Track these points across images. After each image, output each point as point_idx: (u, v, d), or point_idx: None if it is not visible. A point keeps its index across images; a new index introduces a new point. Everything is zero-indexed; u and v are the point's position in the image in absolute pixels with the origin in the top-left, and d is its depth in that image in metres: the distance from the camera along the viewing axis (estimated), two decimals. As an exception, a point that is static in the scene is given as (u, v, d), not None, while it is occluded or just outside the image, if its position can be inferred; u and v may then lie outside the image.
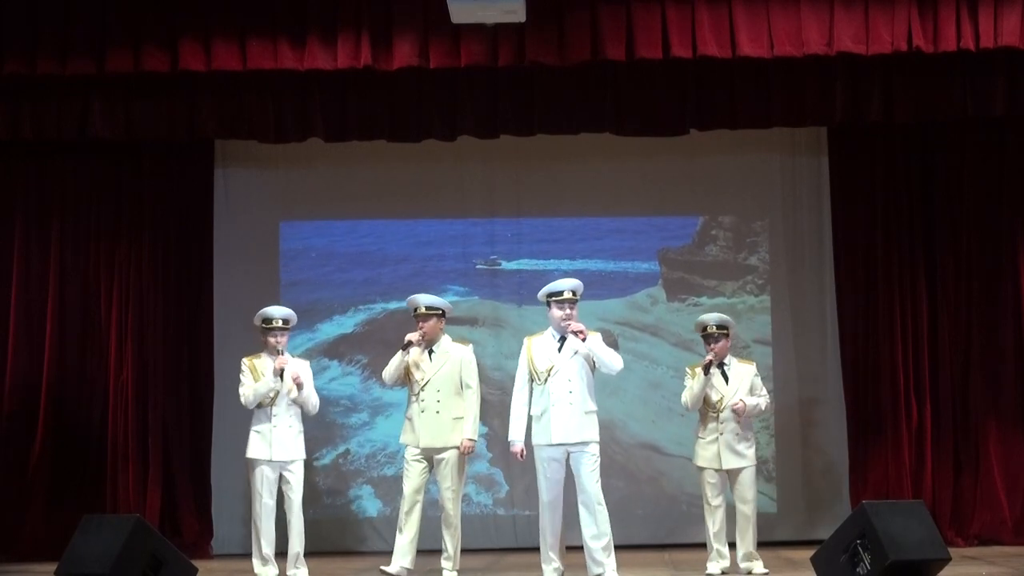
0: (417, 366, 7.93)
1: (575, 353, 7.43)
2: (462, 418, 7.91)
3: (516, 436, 7.55)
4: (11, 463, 9.60)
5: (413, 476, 7.90)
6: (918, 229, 9.81)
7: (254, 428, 8.09)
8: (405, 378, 7.98)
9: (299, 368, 8.16)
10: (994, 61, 8.68)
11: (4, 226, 9.85)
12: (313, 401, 8.22)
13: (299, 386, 8.06)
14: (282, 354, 8.07)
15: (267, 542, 7.99)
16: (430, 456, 7.92)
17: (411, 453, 7.93)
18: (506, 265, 10.38)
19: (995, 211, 9.73)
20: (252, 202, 10.30)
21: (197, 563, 7.26)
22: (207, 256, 10.06)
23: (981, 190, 9.73)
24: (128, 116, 8.97)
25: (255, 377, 8.09)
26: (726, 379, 8.16)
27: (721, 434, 8.09)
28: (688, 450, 8.37)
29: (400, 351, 7.91)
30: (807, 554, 7.32)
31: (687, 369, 8.37)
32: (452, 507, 7.88)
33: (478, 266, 10.33)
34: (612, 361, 7.47)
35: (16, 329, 9.74)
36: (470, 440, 7.91)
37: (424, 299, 8.06)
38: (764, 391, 8.31)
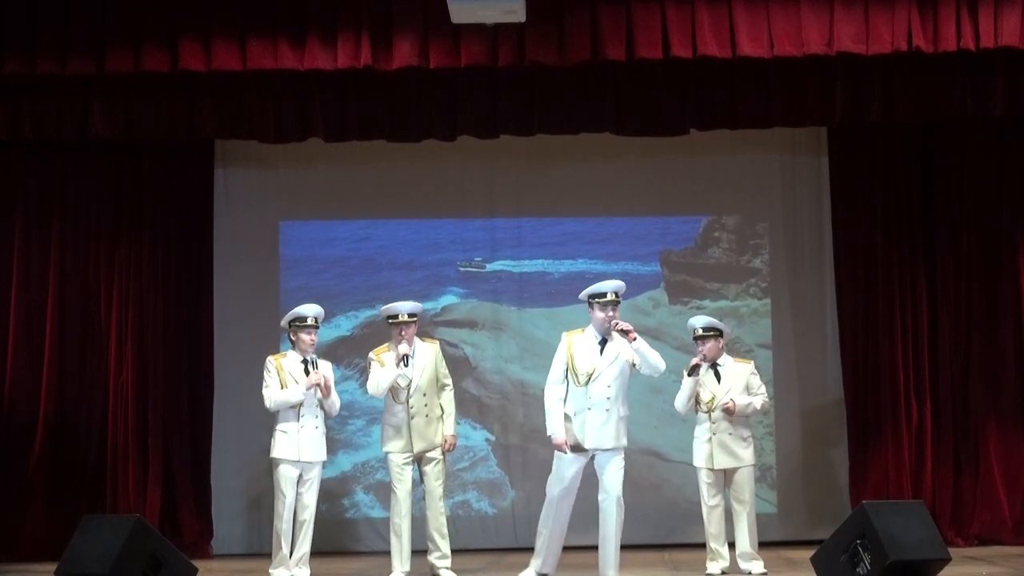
0: (402, 374, 7.93)
1: (616, 357, 7.35)
2: (443, 416, 7.98)
3: (557, 430, 7.38)
4: (11, 463, 9.59)
5: (405, 480, 7.94)
6: (918, 229, 9.81)
7: (280, 428, 8.00)
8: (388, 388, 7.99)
9: (323, 369, 8.13)
10: (994, 61, 8.69)
11: (4, 226, 9.85)
12: (336, 405, 8.20)
13: (326, 389, 8.02)
14: (312, 356, 8.06)
15: (287, 543, 7.95)
16: (418, 458, 7.96)
17: (400, 459, 7.94)
18: (507, 267, 10.34)
19: (995, 211, 9.73)
20: (252, 202, 10.30)
21: (197, 563, 7.26)
22: (207, 256, 10.06)
23: (981, 190, 9.73)
24: (128, 116, 8.97)
25: (281, 378, 8.01)
26: (718, 379, 8.16)
27: (715, 434, 8.10)
28: (691, 456, 8.35)
29: (394, 364, 7.89)
30: (807, 554, 7.32)
31: (684, 372, 8.37)
32: (443, 504, 7.95)
33: (461, 268, 10.30)
34: (657, 361, 7.37)
35: (16, 329, 9.74)
36: (453, 436, 8.01)
37: (405, 307, 8.06)
38: (762, 390, 8.30)
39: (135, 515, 7.17)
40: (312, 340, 8.04)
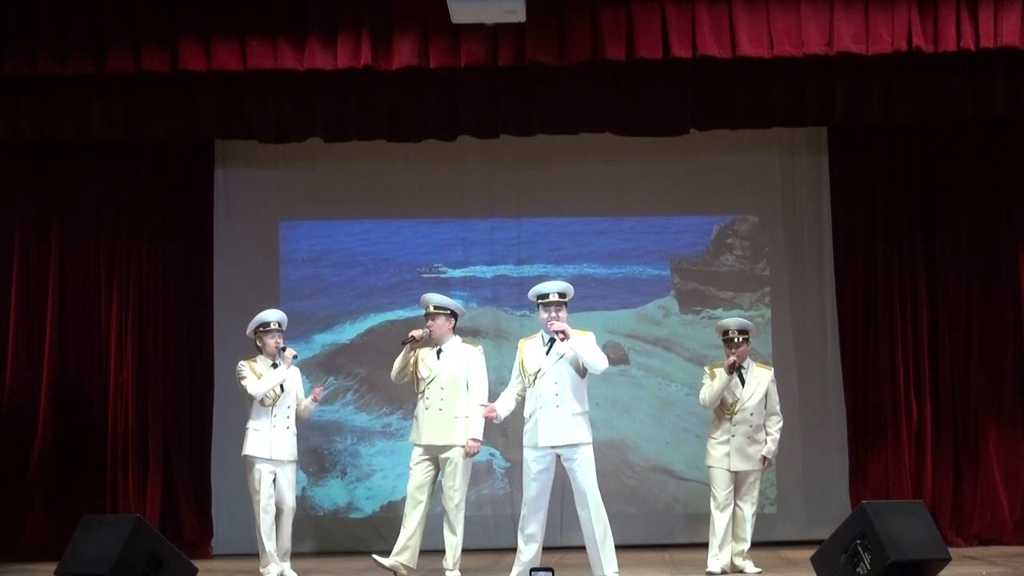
0: (423, 362, 7.94)
1: (561, 356, 7.35)
2: (466, 417, 7.89)
3: (493, 404, 7.57)
4: (11, 463, 9.60)
5: (416, 475, 7.91)
6: (918, 229, 9.81)
7: (252, 427, 8.15)
8: (412, 375, 7.99)
9: (291, 376, 8.28)
10: (994, 61, 8.68)
11: (4, 226, 9.86)
12: (310, 409, 8.37)
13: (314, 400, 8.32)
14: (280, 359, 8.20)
15: (267, 539, 8.02)
16: (435, 455, 7.92)
17: (415, 453, 7.94)
18: (508, 272, 10.23)
19: (995, 211, 9.73)
20: (252, 202, 10.30)
21: (197, 563, 7.26)
22: (207, 256, 10.06)
23: (981, 190, 9.73)
24: (128, 116, 8.96)
25: (257, 375, 8.16)
26: (742, 382, 8.15)
27: (733, 436, 8.10)
28: (705, 474, 8.30)
29: (405, 346, 7.93)
30: (807, 554, 7.32)
31: (705, 369, 8.35)
32: (455, 507, 7.86)
33: (423, 275, 10.19)
34: (595, 360, 7.31)
35: (16, 329, 9.74)
36: (474, 440, 7.88)
37: (434, 298, 8.09)
38: (777, 408, 8.26)
39: (135, 515, 7.17)
40: (277, 343, 8.19)
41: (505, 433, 9.97)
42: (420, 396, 7.97)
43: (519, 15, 8.00)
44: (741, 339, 8.16)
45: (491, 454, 10.01)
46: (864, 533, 6.58)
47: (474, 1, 7.84)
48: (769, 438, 8.19)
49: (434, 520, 8.18)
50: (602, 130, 9.28)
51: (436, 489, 8.04)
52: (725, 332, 8.25)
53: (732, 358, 8.11)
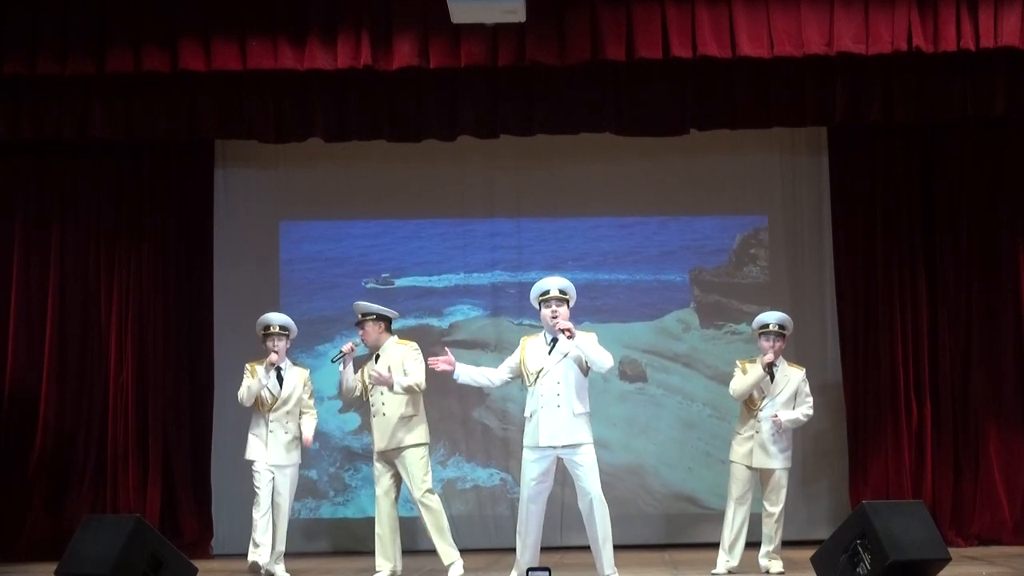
0: (364, 371, 8.02)
1: (564, 356, 7.34)
2: (413, 416, 7.88)
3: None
4: (11, 463, 9.60)
5: (381, 479, 7.96)
6: (918, 229, 9.82)
7: (252, 432, 8.30)
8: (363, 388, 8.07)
9: (297, 377, 8.33)
10: (994, 61, 8.68)
11: (4, 226, 9.86)
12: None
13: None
14: (278, 356, 8.25)
15: (260, 532, 8.11)
16: (391, 460, 7.93)
17: (375, 458, 8.00)
18: (509, 278, 10.16)
19: (995, 211, 9.74)
20: (252, 202, 10.31)
21: (197, 563, 7.25)
22: (207, 256, 10.07)
23: (981, 190, 9.73)
24: (128, 116, 8.97)
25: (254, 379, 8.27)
26: (772, 379, 8.13)
27: (757, 432, 8.08)
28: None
29: (337, 364, 8.03)
30: (807, 554, 7.32)
31: (737, 362, 8.27)
32: (430, 501, 7.87)
33: (368, 285, 10.13)
34: (601, 358, 7.27)
35: (16, 329, 9.74)
36: (388, 376, 7.74)
37: (360, 306, 8.12)
38: (809, 399, 8.19)
39: (135, 515, 7.16)
40: (275, 346, 8.24)
41: (515, 454, 9.85)
42: (368, 404, 8.02)
43: (519, 15, 8.00)
44: (779, 333, 8.12)
45: (502, 479, 9.96)
46: (864, 533, 6.58)
47: (474, 1, 7.84)
48: (796, 411, 8.07)
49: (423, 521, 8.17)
50: (602, 130, 9.28)
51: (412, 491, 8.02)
52: (764, 326, 8.19)
53: (769, 355, 8.08)
